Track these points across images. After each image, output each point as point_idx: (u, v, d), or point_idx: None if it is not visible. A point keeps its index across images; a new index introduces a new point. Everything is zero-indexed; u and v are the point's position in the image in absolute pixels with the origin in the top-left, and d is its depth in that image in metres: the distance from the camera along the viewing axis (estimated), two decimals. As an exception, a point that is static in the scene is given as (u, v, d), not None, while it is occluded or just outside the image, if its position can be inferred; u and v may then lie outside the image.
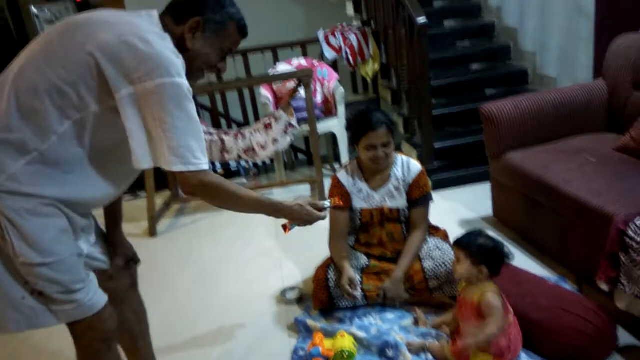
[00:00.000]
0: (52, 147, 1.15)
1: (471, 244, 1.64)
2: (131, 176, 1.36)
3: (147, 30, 1.16)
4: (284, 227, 1.56)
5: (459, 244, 1.68)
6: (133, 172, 1.32)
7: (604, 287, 1.70)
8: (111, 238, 1.52)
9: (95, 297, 1.29)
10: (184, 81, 1.16)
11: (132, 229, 3.41)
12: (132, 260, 1.58)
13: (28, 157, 1.14)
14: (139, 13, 1.23)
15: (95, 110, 1.15)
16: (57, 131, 1.14)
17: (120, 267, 1.52)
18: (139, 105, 1.13)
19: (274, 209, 1.47)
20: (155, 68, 1.12)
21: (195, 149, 1.18)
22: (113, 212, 1.52)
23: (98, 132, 1.18)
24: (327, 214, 1.59)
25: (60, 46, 1.15)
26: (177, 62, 1.16)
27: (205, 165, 1.21)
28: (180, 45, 1.22)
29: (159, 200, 3.48)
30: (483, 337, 1.56)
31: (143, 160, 1.17)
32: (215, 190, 1.27)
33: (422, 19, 3.05)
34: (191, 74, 1.25)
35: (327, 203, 1.59)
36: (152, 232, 3.27)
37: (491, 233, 2.57)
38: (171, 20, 1.24)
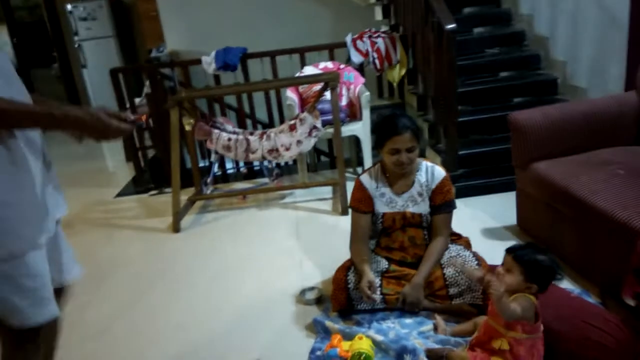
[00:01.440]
0: None
1: (529, 261, 1.57)
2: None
3: None
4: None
5: (517, 257, 1.60)
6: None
7: (630, 302, 1.68)
8: None
9: None
10: None
11: (157, 224, 3.48)
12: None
13: None
14: None
15: None
16: None
17: None
18: None
19: (46, 118, 1.18)
20: None
21: None
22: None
23: None
24: (134, 125, 1.35)
25: None
26: None
27: None
28: None
29: (184, 196, 3.54)
30: (507, 306, 1.53)
31: None
32: None
33: (451, 25, 3.04)
34: None
35: (132, 116, 1.35)
36: (176, 227, 3.33)
37: (514, 243, 2.55)
38: None
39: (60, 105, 1.23)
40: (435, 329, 1.95)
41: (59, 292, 1.40)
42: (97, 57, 7.31)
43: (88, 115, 1.21)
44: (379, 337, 1.88)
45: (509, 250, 1.65)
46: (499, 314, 1.61)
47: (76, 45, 7.36)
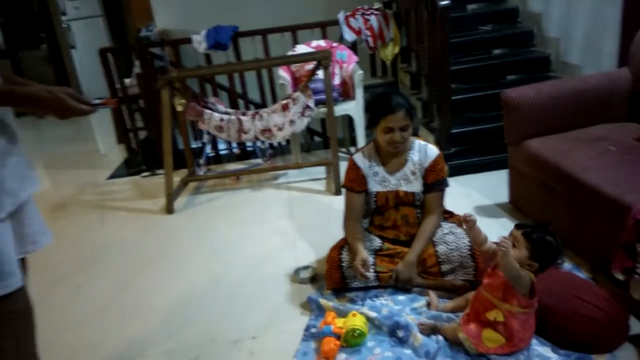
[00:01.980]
0: None
1: (538, 239, 1.61)
2: None
3: None
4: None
5: (526, 234, 1.63)
6: None
7: (620, 276, 1.70)
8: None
9: None
10: None
11: (150, 206, 3.48)
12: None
13: None
14: None
15: None
16: None
17: None
18: None
19: (8, 96, 1.25)
20: None
21: None
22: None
23: None
24: (95, 109, 1.39)
25: None
26: None
27: None
28: None
29: (176, 178, 3.52)
30: (513, 263, 1.56)
31: None
32: None
33: (444, 2, 3.01)
34: None
35: (96, 100, 1.41)
36: (169, 209, 3.33)
37: (506, 220, 2.58)
38: None
39: (27, 85, 1.30)
40: (428, 305, 1.97)
41: (22, 262, 1.41)
42: (86, 37, 7.18)
43: (49, 94, 1.29)
44: (373, 314, 1.90)
45: (519, 226, 1.68)
46: (495, 287, 1.63)
47: (64, 26, 7.23)
